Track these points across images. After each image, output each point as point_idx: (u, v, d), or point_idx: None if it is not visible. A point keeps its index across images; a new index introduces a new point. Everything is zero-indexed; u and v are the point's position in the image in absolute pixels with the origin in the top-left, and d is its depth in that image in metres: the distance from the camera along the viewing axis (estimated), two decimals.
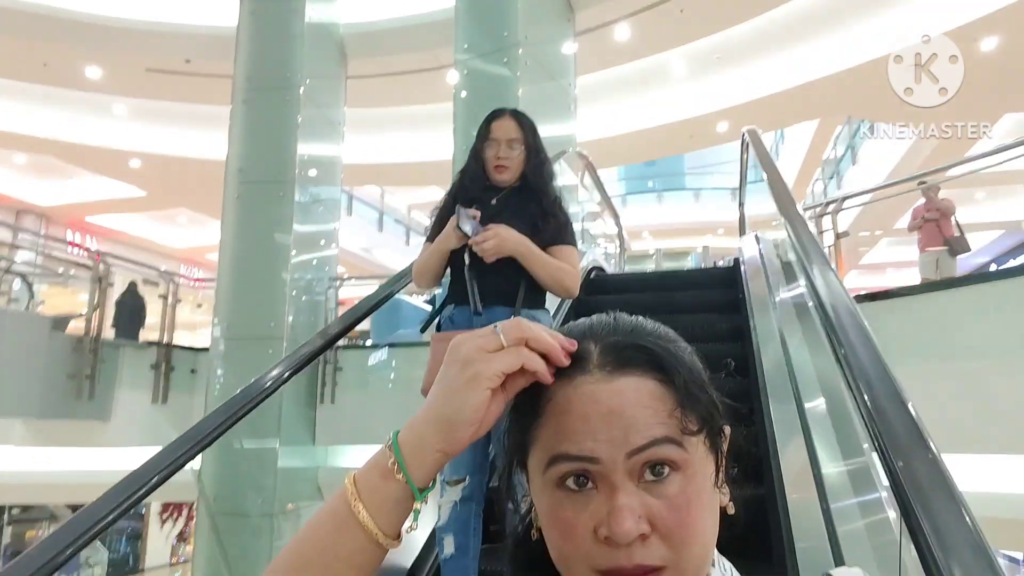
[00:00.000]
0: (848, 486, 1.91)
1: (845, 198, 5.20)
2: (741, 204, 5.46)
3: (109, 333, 6.43)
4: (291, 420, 6.19)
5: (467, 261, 2.02)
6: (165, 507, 16.33)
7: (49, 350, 5.65)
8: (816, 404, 2.31)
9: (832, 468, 2.04)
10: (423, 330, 2.22)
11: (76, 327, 5.92)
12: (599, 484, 0.50)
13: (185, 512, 17.01)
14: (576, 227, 2.32)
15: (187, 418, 6.67)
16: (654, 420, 0.50)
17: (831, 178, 15.97)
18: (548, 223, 2.08)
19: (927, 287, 3.87)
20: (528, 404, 0.54)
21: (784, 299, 3.08)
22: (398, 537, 0.54)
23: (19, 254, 7.30)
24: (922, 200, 6.32)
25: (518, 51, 5.81)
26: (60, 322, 5.78)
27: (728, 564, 0.58)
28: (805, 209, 5.01)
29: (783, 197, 2.70)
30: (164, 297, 6.59)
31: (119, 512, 1.60)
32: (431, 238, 2.17)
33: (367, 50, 8.11)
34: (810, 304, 2.81)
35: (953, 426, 3.51)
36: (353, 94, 8.01)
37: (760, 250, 3.91)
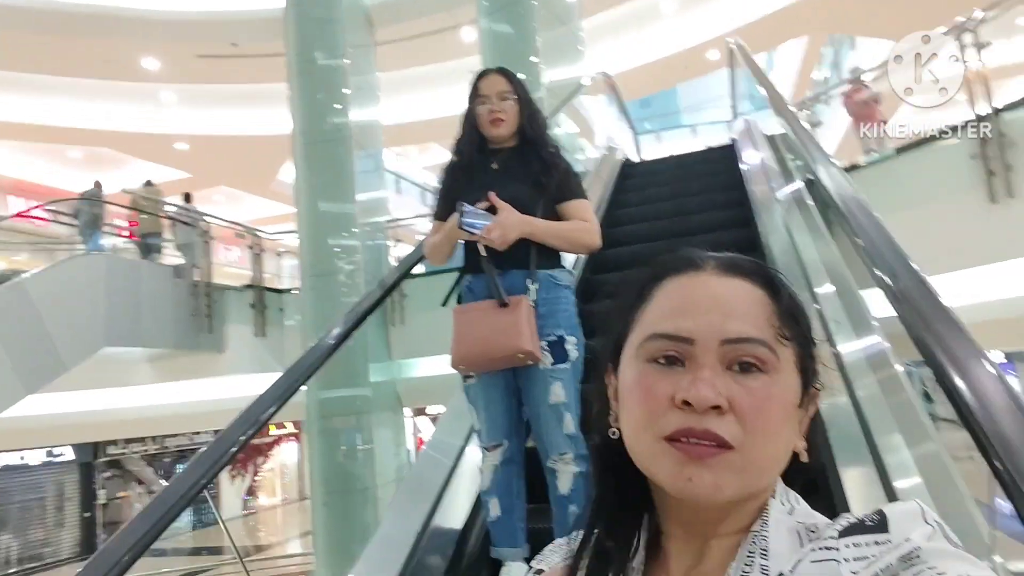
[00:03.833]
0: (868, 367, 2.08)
1: (817, 95, 6.26)
2: (733, 103, 6.58)
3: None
4: (373, 340, 7.38)
5: (484, 253, 2.02)
6: (233, 466, 17.81)
7: (173, 294, 6.85)
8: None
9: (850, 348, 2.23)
10: (444, 303, 2.20)
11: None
12: (688, 364, 0.51)
13: (251, 469, 18.57)
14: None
15: (281, 348, 7.90)
16: (754, 320, 0.52)
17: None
18: (551, 175, 2.04)
19: (879, 159, 4.93)
20: (635, 290, 0.58)
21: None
22: None
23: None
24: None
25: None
26: (178, 270, 6.95)
27: (793, 495, 0.55)
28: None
29: (774, 97, 3.75)
30: (251, 247, 7.75)
31: (252, 432, 1.97)
32: (437, 215, 2.17)
33: (390, 17, 9.07)
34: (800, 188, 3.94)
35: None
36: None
37: (748, 126, 5.16)
